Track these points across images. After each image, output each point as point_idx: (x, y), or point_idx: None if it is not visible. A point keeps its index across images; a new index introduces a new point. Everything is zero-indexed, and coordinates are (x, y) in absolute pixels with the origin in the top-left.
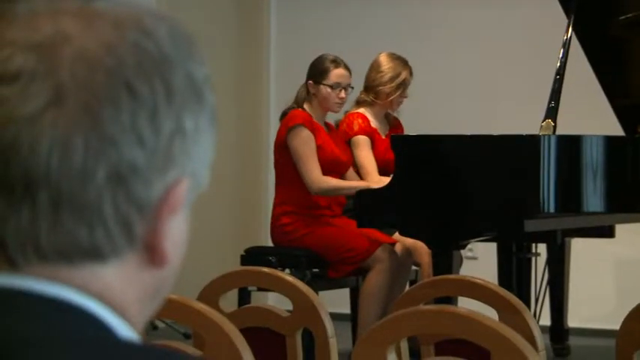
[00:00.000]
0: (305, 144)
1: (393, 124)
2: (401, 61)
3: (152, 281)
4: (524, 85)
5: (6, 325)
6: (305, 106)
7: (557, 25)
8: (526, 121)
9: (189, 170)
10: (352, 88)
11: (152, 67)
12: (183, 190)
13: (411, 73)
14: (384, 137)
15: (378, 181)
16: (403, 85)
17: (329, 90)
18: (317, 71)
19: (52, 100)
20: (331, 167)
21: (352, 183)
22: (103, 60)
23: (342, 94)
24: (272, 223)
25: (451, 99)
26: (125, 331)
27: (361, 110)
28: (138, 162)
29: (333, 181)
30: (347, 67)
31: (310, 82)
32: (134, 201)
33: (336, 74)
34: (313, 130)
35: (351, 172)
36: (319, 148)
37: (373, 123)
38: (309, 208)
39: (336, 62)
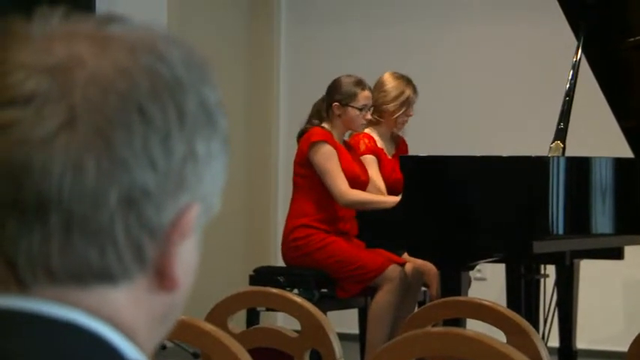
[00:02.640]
0: (329, 158)
1: (398, 143)
2: (404, 80)
3: (161, 305)
4: (533, 106)
5: (15, 348)
6: (326, 124)
7: (567, 47)
8: (535, 143)
9: (200, 195)
10: (372, 107)
11: (165, 91)
12: (194, 214)
13: (414, 91)
14: (390, 157)
15: None
16: (407, 103)
17: (357, 112)
18: (345, 94)
19: (64, 122)
20: (352, 186)
21: (382, 197)
22: (116, 83)
23: (368, 115)
24: (284, 238)
25: (458, 118)
26: (135, 354)
27: (367, 130)
28: (149, 186)
29: (362, 194)
30: (370, 88)
31: (336, 104)
32: (145, 225)
33: (364, 96)
34: (335, 148)
35: (370, 188)
36: (342, 169)
37: (379, 143)
38: (324, 221)
39: (363, 84)
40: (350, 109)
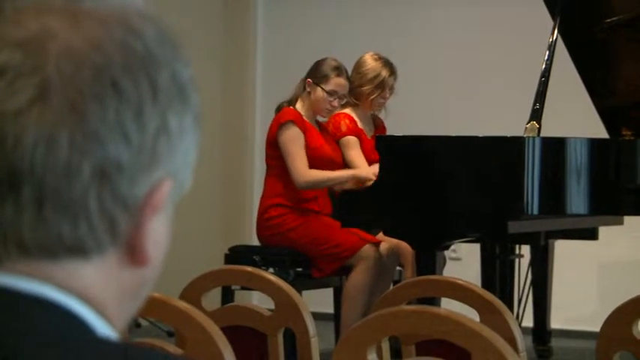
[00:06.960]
0: (293, 141)
1: (377, 125)
2: (382, 61)
3: (132, 281)
4: (509, 86)
5: None
6: (298, 103)
7: (543, 27)
8: (511, 123)
9: (172, 170)
10: (346, 97)
11: (138, 66)
12: (166, 190)
13: (392, 73)
14: (369, 138)
15: (367, 171)
16: (382, 86)
17: (324, 95)
18: (318, 73)
19: (37, 95)
20: (324, 166)
21: (338, 172)
22: (89, 57)
23: (335, 102)
24: (258, 217)
25: (437, 100)
26: (105, 329)
27: (347, 111)
28: (123, 159)
29: (318, 173)
30: (348, 78)
31: (309, 80)
32: (119, 198)
33: (336, 82)
34: (304, 128)
35: None
36: (311, 148)
37: (359, 123)
38: (298, 201)
39: (339, 71)
40: (319, 89)
